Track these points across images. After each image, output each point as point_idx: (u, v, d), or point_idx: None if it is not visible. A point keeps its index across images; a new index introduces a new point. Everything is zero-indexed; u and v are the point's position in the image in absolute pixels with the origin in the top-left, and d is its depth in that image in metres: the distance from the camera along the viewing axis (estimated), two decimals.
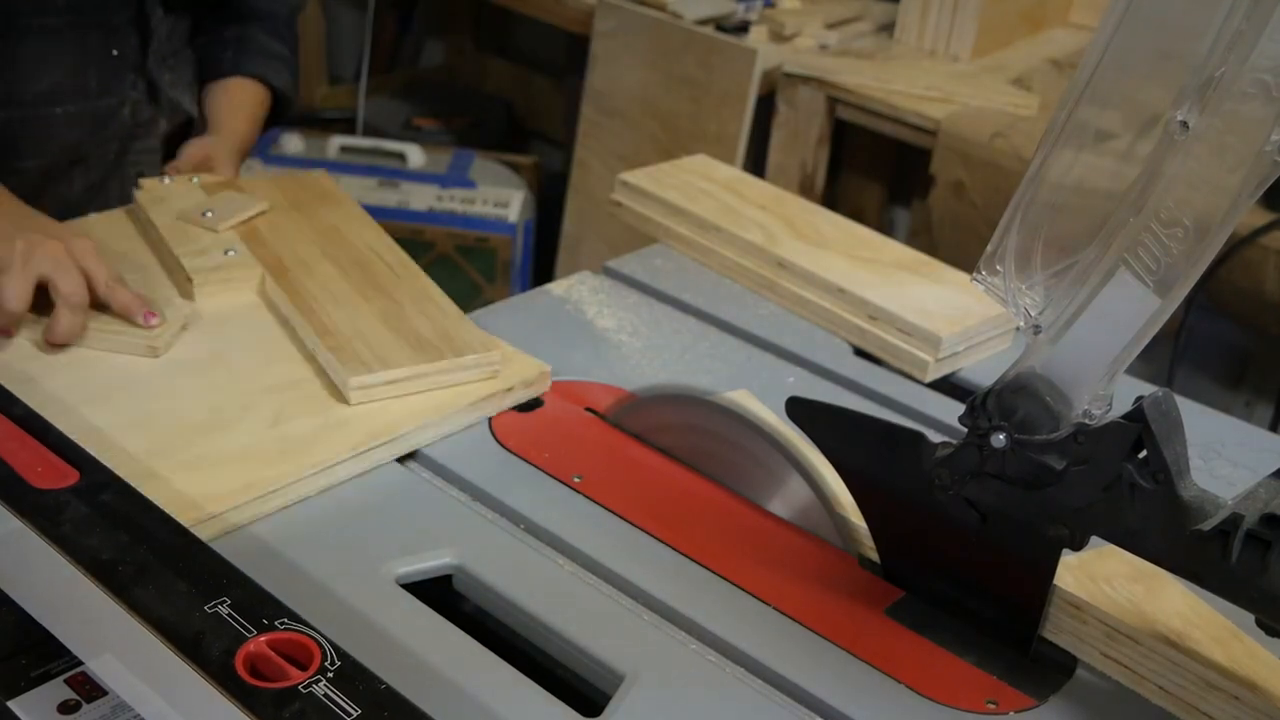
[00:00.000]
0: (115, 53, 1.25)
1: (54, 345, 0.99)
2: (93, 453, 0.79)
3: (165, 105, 1.33)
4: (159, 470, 0.87)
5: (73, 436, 0.80)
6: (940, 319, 1.12)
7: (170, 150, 1.37)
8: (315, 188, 1.25)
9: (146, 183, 1.22)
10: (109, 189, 1.32)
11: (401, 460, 0.95)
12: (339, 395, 0.97)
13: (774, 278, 1.21)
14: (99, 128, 1.28)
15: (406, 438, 0.95)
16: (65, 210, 1.25)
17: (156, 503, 0.75)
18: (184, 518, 0.77)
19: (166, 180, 1.22)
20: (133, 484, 0.77)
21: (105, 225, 1.19)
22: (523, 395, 1.02)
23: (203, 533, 0.79)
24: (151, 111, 1.32)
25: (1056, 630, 0.82)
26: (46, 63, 1.21)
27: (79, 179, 1.29)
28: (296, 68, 1.42)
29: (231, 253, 1.11)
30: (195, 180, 1.22)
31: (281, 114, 1.42)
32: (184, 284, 1.09)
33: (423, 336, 1.02)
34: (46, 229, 1.02)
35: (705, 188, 1.33)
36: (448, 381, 0.99)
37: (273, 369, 1.01)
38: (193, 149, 1.29)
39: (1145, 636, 0.78)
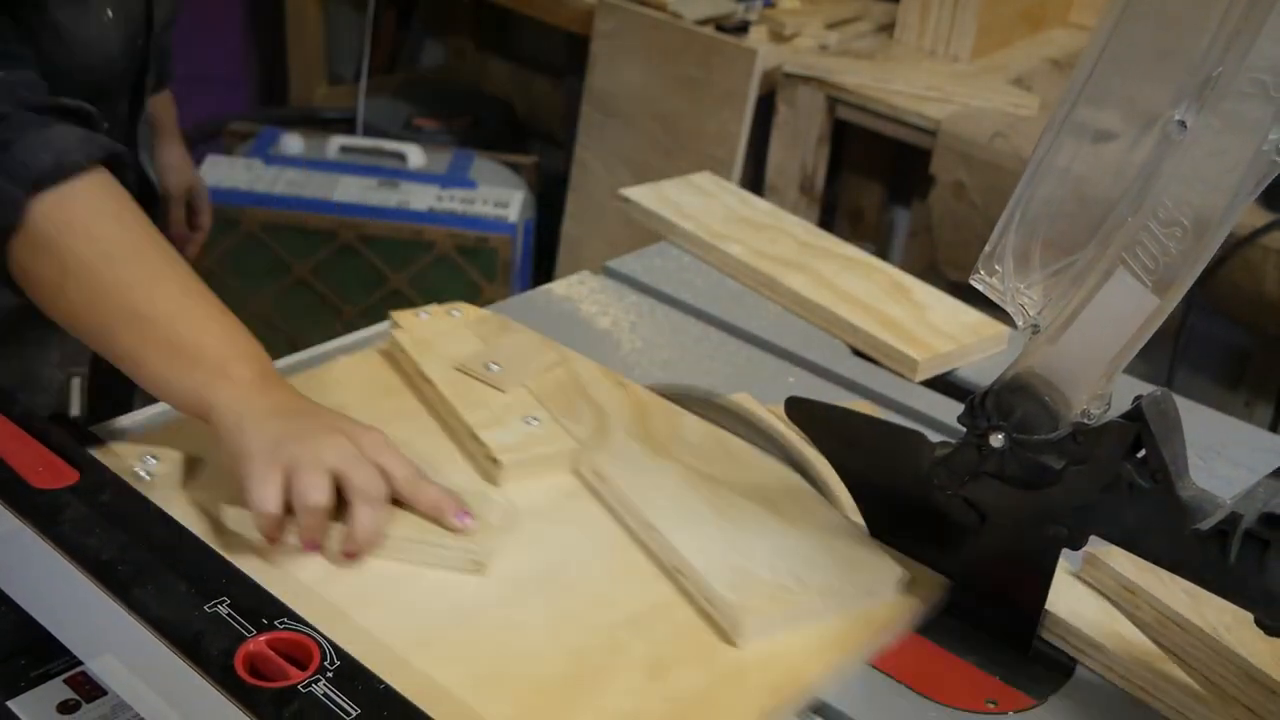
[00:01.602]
0: (106, 125, 1.20)
1: (351, 556, 0.81)
2: None
3: (142, 175, 1.27)
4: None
5: (414, 695, 0.63)
6: (920, 343, 1.13)
7: None
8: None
9: (400, 316, 1.03)
10: None
11: None
12: (715, 625, 0.78)
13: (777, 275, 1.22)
14: None
15: (814, 689, 0.76)
16: None
17: None
18: None
19: (423, 315, 1.04)
20: None
21: (358, 368, 1.01)
22: (922, 614, 0.83)
23: None
24: (135, 183, 1.26)
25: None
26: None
27: None
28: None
29: (534, 422, 0.91)
30: (456, 314, 1.03)
31: None
32: (485, 465, 0.89)
33: (817, 557, 0.82)
34: (332, 423, 0.84)
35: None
36: (841, 611, 0.80)
37: (626, 587, 0.81)
38: (175, 173, 1.32)
39: (1193, 625, 0.78)
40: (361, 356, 1.03)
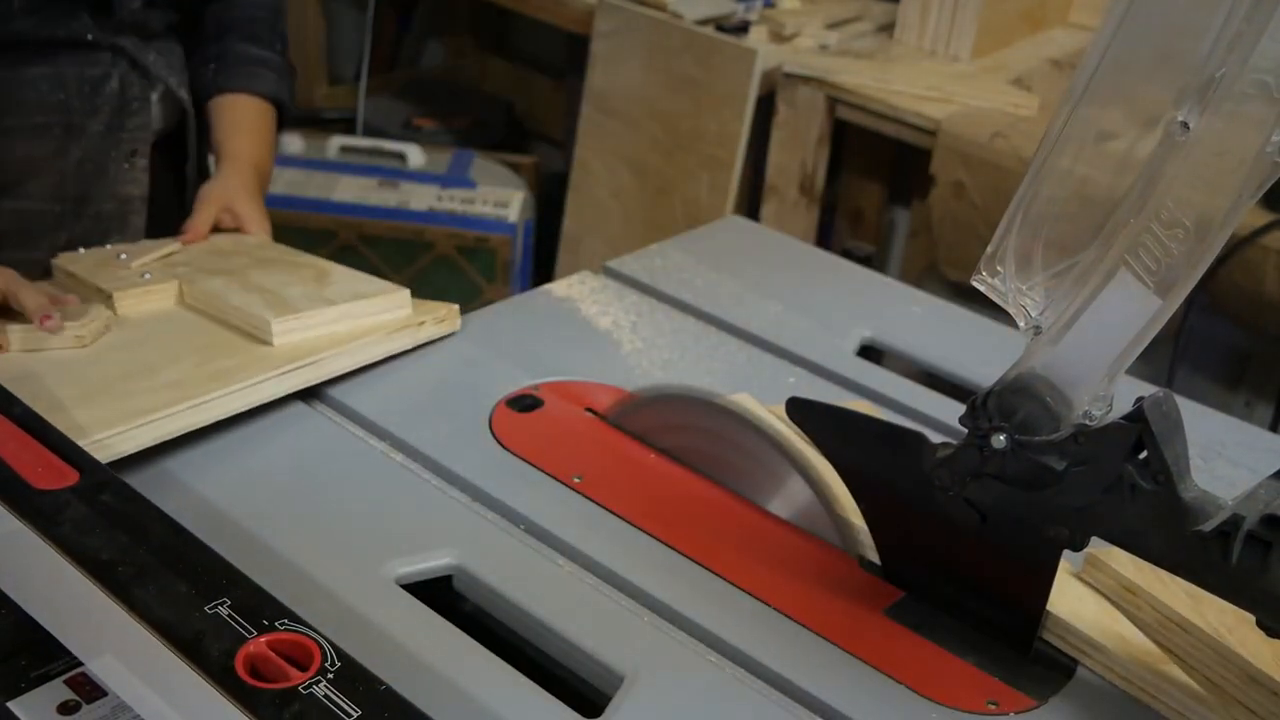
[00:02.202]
0: (89, 37, 1.22)
1: (46, 321, 1.03)
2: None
3: (156, 82, 1.29)
4: (95, 402, 0.94)
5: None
6: None
7: (168, 150, 1.35)
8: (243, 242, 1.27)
9: (64, 256, 1.23)
10: (107, 169, 1.28)
11: (400, 458, 0.95)
12: (262, 342, 1.05)
13: None
14: (86, 95, 1.24)
15: (325, 363, 1.03)
16: (63, 184, 1.24)
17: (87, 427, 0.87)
18: (123, 424, 0.90)
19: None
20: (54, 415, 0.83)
21: None
22: (435, 331, 1.10)
23: (147, 434, 0.92)
24: (142, 86, 1.28)
25: None
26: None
27: (74, 150, 1.25)
28: (287, 68, 1.38)
29: (147, 275, 1.16)
30: (123, 257, 1.24)
31: (279, 119, 1.38)
32: (104, 302, 1.13)
33: (336, 294, 1.10)
34: None
35: None
36: (364, 323, 1.07)
37: (199, 338, 1.07)
38: (211, 198, 1.25)
39: (1195, 626, 0.78)
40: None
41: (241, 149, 1.31)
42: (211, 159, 1.35)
